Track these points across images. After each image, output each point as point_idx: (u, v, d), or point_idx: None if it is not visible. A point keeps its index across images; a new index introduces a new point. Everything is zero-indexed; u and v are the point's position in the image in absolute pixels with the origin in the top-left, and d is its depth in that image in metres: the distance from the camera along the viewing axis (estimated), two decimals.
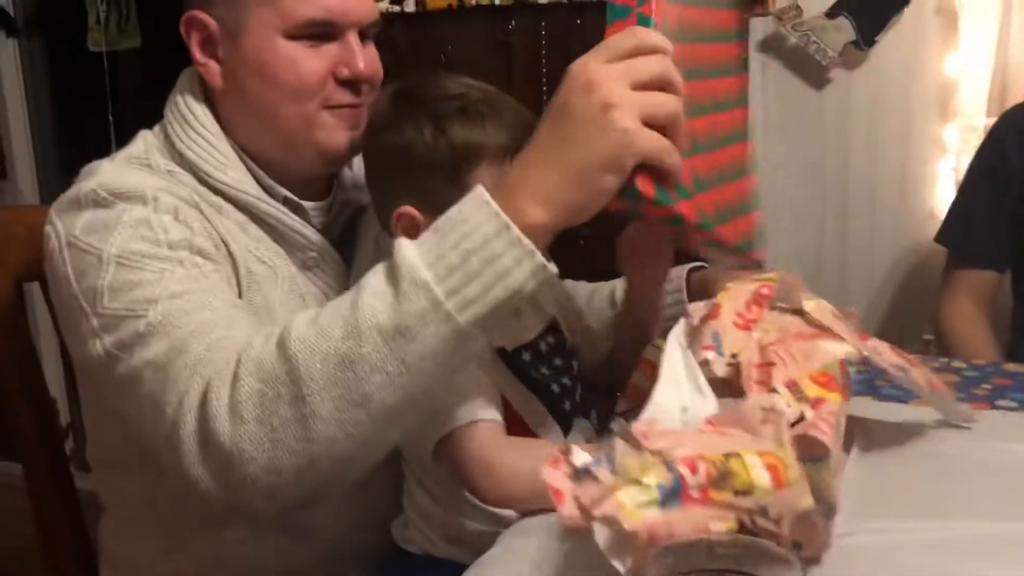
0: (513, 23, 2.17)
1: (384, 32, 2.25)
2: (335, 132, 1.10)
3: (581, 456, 0.66)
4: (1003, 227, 1.94)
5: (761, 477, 0.67)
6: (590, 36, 2.13)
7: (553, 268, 0.84)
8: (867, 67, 2.42)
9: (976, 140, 2.18)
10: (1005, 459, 1.02)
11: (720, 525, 0.64)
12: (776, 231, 2.55)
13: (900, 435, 1.11)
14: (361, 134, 1.12)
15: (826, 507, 0.74)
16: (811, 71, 2.44)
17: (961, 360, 1.48)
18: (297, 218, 1.13)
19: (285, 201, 1.13)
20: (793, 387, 0.79)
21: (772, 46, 2.46)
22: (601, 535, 0.63)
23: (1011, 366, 1.39)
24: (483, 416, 1.00)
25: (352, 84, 1.09)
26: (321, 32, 1.07)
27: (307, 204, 1.15)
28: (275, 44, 1.07)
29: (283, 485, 0.86)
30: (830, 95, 2.46)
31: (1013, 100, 2.15)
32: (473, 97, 1.04)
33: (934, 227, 2.17)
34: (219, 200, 1.09)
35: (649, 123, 0.82)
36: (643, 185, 0.84)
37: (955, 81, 2.37)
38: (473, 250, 0.82)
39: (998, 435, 1.08)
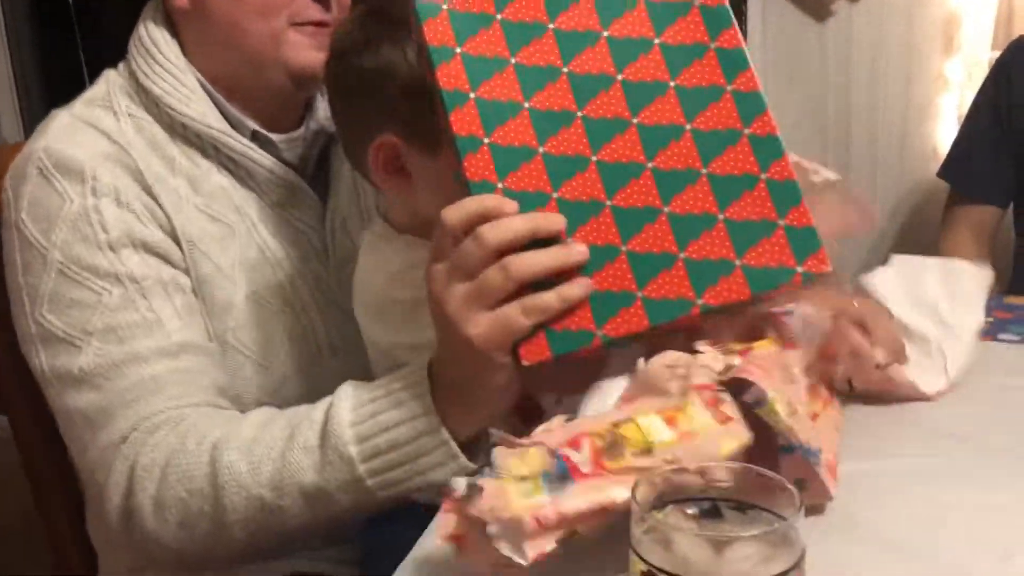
0: None
1: None
2: (303, 51, 1.06)
3: (458, 483, 0.64)
4: (1006, 162, 1.92)
5: (659, 432, 0.66)
6: None
7: (473, 466, 0.85)
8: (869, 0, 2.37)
9: (981, 75, 2.13)
10: (1007, 395, 1.00)
11: (623, 492, 0.62)
12: None
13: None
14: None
15: (801, 451, 0.71)
16: (812, 3, 2.38)
17: None
18: (265, 153, 1.09)
19: (254, 136, 1.09)
20: (717, 344, 0.77)
21: None
22: (494, 530, 0.62)
23: (1012, 299, 1.36)
24: None
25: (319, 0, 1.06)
26: None
27: (277, 136, 1.10)
28: None
29: (194, 561, 0.99)
30: (831, 28, 2.40)
31: (1018, 33, 2.10)
32: None
33: (937, 164, 2.14)
34: (175, 150, 1.06)
35: (494, 299, 0.77)
36: (527, 355, 0.77)
37: (959, 14, 2.31)
38: (402, 442, 0.85)
39: (999, 368, 1.06)
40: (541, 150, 0.79)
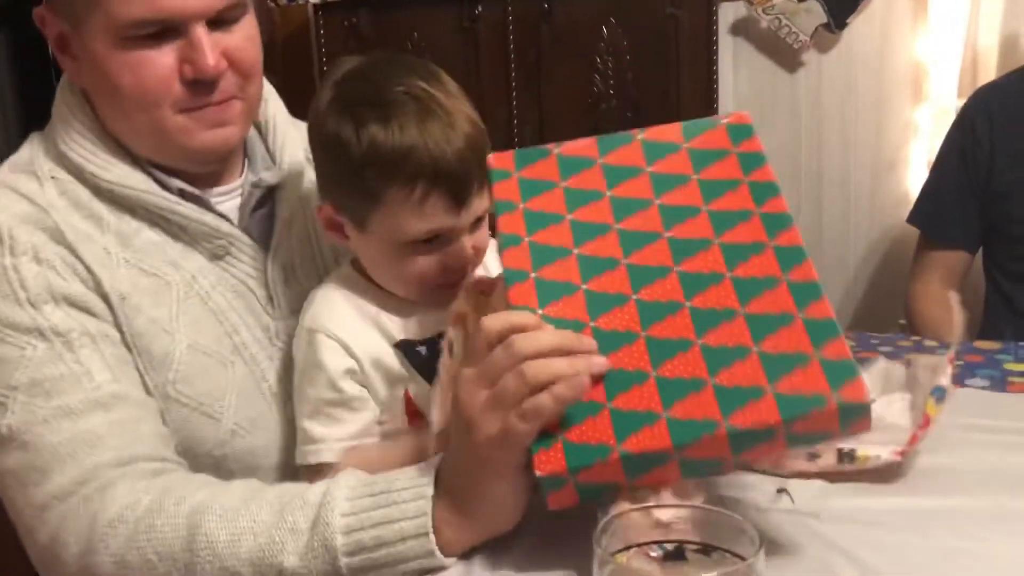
0: (479, 9, 2.14)
1: (348, 21, 2.23)
2: (197, 134, 1.02)
3: None
4: (973, 207, 1.94)
5: None
6: (557, 21, 2.14)
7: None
8: (839, 50, 2.42)
9: (948, 122, 2.17)
10: (971, 437, 1.01)
11: None
12: None
13: None
14: (240, 127, 1.06)
15: None
16: (783, 54, 2.43)
17: (932, 340, 1.47)
18: (195, 207, 1.06)
19: (181, 192, 1.07)
20: None
21: (743, 29, 2.44)
22: None
23: (981, 344, 1.38)
24: (320, 459, 0.99)
25: (202, 83, 0.99)
26: (160, 30, 0.97)
27: (213, 190, 1.08)
28: (110, 49, 0.97)
29: None
30: (802, 78, 2.45)
31: (983, 81, 2.15)
32: (405, 105, 0.95)
33: (907, 210, 2.16)
34: (102, 208, 1.04)
35: (509, 405, 0.77)
36: (541, 466, 0.76)
37: (926, 64, 2.37)
38: (388, 541, 0.84)
39: (968, 412, 1.07)
40: (584, 287, 0.83)
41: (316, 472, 0.98)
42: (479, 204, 0.97)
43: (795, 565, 0.75)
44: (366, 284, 1.03)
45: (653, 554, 0.59)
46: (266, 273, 1.10)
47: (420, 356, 1.00)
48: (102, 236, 1.03)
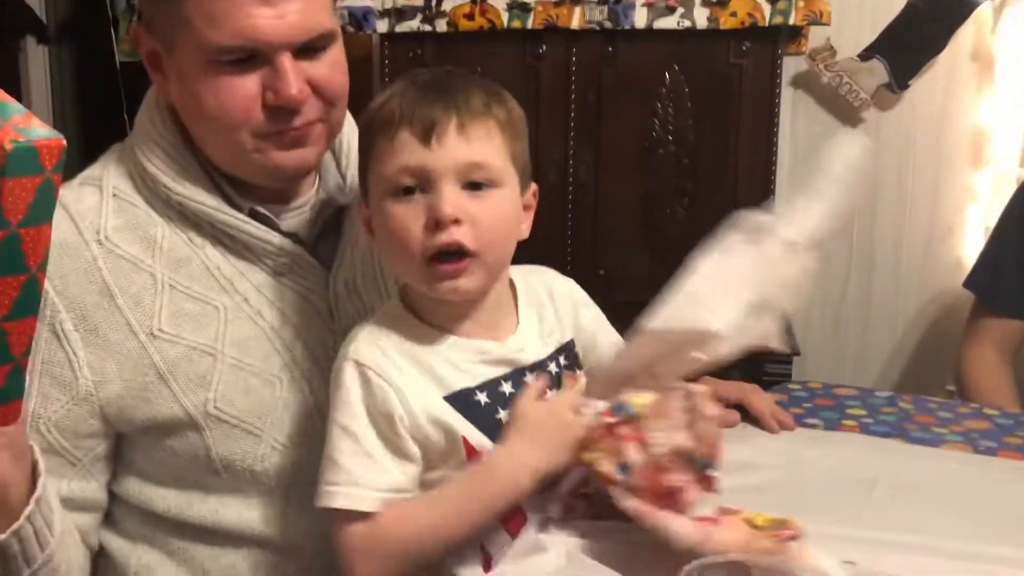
0: (544, 47, 2.15)
1: (414, 52, 2.26)
2: (273, 155, 1.03)
3: None
4: None
5: None
6: (621, 63, 2.14)
7: None
8: (899, 110, 2.40)
9: (1009, 189, 2.15)
10: None
11: None
12: None
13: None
14: (319, 149, 1.06)
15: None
16: (843, 110, 2.42)
17: (993, 408, 1.43)
18: (262, 226, 1.07)
19: (252, 212, 1.08)
20: None
21: (803, 84, 2.44)
22: None
23: None
24: (345, 505, 0.93)
25: (285, 110, 1.01)
26: (247, 56, 0.99)
27: (277, 209, 1.10)
28: (198, 71, 1.00)
29: None
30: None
31: None
32: (419, 77, 0.98)
33: (961, 276, 2.13)
34: (159, 232, 1.06)
35: None
36: None
37: (989, 128, 2.34)
38: None
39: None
40: None
41: (345, 518, 0.93)
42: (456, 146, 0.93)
43: None
44: (416, 323, 0.99)
45: None
46: (328, 289, 1.10)
47: (479, 406, 0.96)
48: (152, 261, 1.05)
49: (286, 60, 0.99)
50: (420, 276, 0.95)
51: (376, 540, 0.92)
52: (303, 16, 0.99)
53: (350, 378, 0.95)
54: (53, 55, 3.32)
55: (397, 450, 0.93)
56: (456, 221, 0.92)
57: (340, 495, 0.93)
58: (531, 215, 1.01)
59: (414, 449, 0.94)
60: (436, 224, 0.92)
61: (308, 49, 1.01)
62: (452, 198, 0.92)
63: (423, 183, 0.93)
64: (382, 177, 0.94)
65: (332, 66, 1.04)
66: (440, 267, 0.93)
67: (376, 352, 0.95)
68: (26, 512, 0.91)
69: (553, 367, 1.02)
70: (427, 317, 0.98)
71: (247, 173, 1.07)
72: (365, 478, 0.92)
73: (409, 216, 0.93)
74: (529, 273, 1.06)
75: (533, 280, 1.05)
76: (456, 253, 0.93)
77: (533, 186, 1.01)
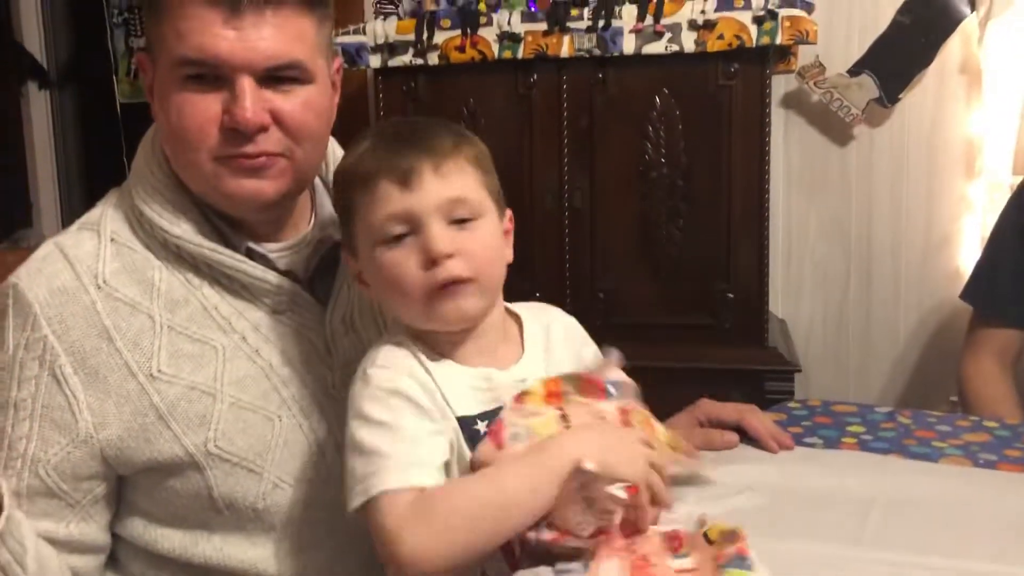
0: (535, 76, 2.18)
1: (407, 85, 2.28)
2: (228, 182, 1.04)
3: None
4: None
5: None
6: (611, 89, 2.16)
7: None
8: (891, 124, 2.42)
9: (1002, 197, 2.16)
10: None
11: None
12: (798, 289, 2.53)
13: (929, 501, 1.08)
14: (279, 184, 1.06)
15: None
16: (834, 128, 2.43)
17: (993, 420, 1.44)
18: (258, 265, 1.09)
19: (249, 251, 1.10)
20: None
21: (794, 102, 2.46)
22: None
23: None
24: (393, 485, 0.88)
25: (239, 133, 1.02)
26: (211, 75, 1.01)
27: (273, 247, 1.12)
28: (169, 89, 1.03)
29: None
30: (853, 152, 2.45)
31: None
32: (384, 131, 1.02)
33: (959, 286, 2.14)
34: (156, 275, 1.08)
35: None
36: None
37: (980, 138, 2.36)
38: None
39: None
40: None
41: (390, 501, 0.88)
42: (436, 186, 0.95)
43: None
44: (419, 348, 0.99)
45: None
46: (325, 325, 1.12)
47: (479, 435, 0.96)
48: (150, 303, 1.08)
49: (246, 83, 1.01)
50: (423, 313, 0.97)
51: (426, 508, 0.87)
52: (269, 43, 1.01)
53: (378, 378, 0.94)
54: (54, 99, 3.36)
55: (438, 431, 0.92)
56: (450, 255, 0.95)
57: (389, 476, 0.88)
58: (511, 239, 1.04)
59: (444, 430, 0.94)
60: (431, 262, 0.95)
61: (275, 79, 1.03)
62: (442, 234, 0.95)
63: (411, 226, 0.96)
64: (370, 229, 0.97)
65: (303, 104, 1.05)
66: (442, 292, 0.95)
67: (396, 364, 0.96)
68: None
69: None
70: (429, 344, 1.00)
71: (213, 200, 1.08)
72: (413, 455, 0.90)
73: (403, 259, 0.96)
74: (536, 310, 1.09)
75: (540, 316, 1.08)
76: (453, 285, 0.96)
77: (508, 212, 1.05)
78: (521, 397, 0.96)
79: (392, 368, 0.96)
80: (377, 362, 0.97)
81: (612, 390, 1.00)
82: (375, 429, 0.91)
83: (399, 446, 0.90)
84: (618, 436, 0.95)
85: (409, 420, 0.92)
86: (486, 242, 0.98)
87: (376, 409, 0.92)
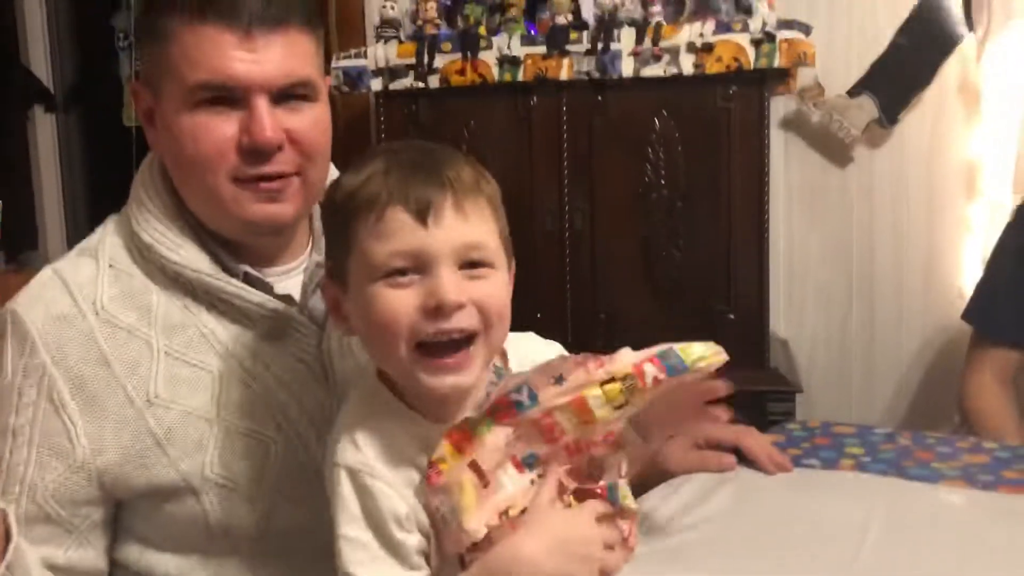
0: (535, 99, 2.19)
1: (408, 108, 2.30)
2: (247, 205, 1.05)
3: None
4: None
5: None
6: (610, 111, 2.18)
7: None
8: (890, 145, 2.42)
9: (1002, 218, 2.16)
10: None
11: None
12: (801, 309, 2.53)
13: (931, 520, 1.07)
14: (295, 206, 1.07)
15: None
16: (834, 149, 2.44)
17: (992, 440, 1.43)
18: (255, 291, 1.09)
19: (247, 276, 1.11)
20: None
21: (794, 124, 2.47)
22: None
23: None
24: None
25: (257, 153, 1.02)
26: (226, 97, 1.02)
27: (271, 271, 1.13)
28: (180, 114, 1.03)
29: None
30: (853, 173, 2.46)
31: None
32: (399, 154, 0.93)
33: (961, 307, 2.14)
34: (154, 300, 1.08)
35: None
36: None
37: (980, 159, 2.36)
38: None
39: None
40: None
41: None
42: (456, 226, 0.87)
43: None
44: (396, 403, 0.94)
45: None
46: (322, 349, 1.12)
47: None
48: (148, 328, 1.08)
49: (262, 103, 1.03)
50: (407, 365, 0.89)
51: None
52: (282, 62, 1.03)
53: (347, 489, 0.90)
54: (61, 123, 3.39)
55: (404, 559, 0.89)
56: (460, 306, 0.87)
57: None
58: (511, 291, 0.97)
59: (418, 559, 0.90)
60: (437, 310, 0.86)
61: (288, 97, 1.05)
62: (454, 281, 0.87)
63: (418, 265, 0.87)
64: (369, 260, 0.88)
65: (313, 122, 1.07)
66: (442, 360, 0.88)
67: (361, 453, 0.90)
68: None
69: None
70: (405, 397, 0.94)
71: (226, 227, 1.08)
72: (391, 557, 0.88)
73: (400, 300, 0.87)
74: (518, 340, 1.02)
75: (522, 347, 1.02)
76: (455, 342, 0.88)
77: (512, 262, 0.97)
78: (433, 469, 0.88)
79: (357, 466, 0.90)
80: (345, 455, 0.91)
81: (524, 400, 0.88)
82: (348, 544, 0.90)
83: (375, 566, 0.89)
84: (563, 537, 0.89)
85: (375, 543, 0.89)
86: (498, 292, 0.90)
87: (346, 524, 0.90)
